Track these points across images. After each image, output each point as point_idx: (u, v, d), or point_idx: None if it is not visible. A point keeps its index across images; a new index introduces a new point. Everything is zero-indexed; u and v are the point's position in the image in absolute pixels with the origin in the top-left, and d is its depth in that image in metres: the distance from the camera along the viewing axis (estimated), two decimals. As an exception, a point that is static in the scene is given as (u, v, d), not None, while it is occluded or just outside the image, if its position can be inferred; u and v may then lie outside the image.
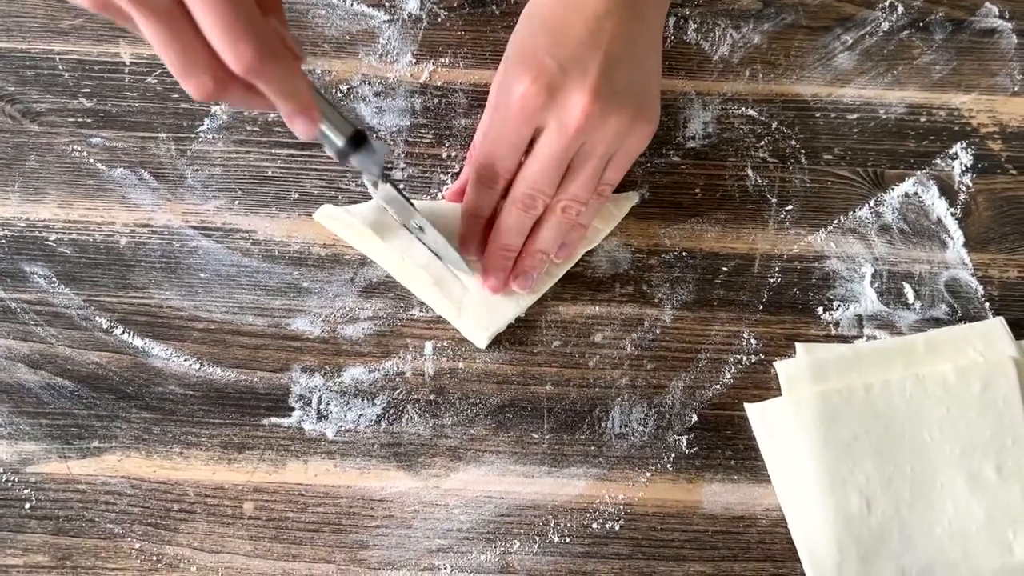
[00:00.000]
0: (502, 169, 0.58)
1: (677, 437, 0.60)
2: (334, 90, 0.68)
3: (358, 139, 0.52)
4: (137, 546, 0.56)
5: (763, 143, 0.68)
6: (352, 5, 0.71)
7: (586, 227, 0.62)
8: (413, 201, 0.58)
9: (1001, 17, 0.73)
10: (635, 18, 0.57)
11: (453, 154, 0.66)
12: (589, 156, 0.57)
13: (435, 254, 0.61)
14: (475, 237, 0.60)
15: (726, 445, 0.60)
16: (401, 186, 0.65)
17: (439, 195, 0.65)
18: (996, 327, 0.61)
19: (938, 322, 0.63)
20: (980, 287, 0.64)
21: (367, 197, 0.64)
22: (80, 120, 0.66)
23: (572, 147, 0.56)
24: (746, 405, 0.60)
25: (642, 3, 0.58)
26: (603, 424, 0.60)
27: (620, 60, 0.56)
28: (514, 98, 0.55)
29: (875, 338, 0.62)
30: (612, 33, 0.56)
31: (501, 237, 0.59)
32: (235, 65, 0.43)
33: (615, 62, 0.55)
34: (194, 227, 0.64)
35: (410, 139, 0.67)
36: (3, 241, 0.63)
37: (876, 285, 0.64)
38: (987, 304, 0.64)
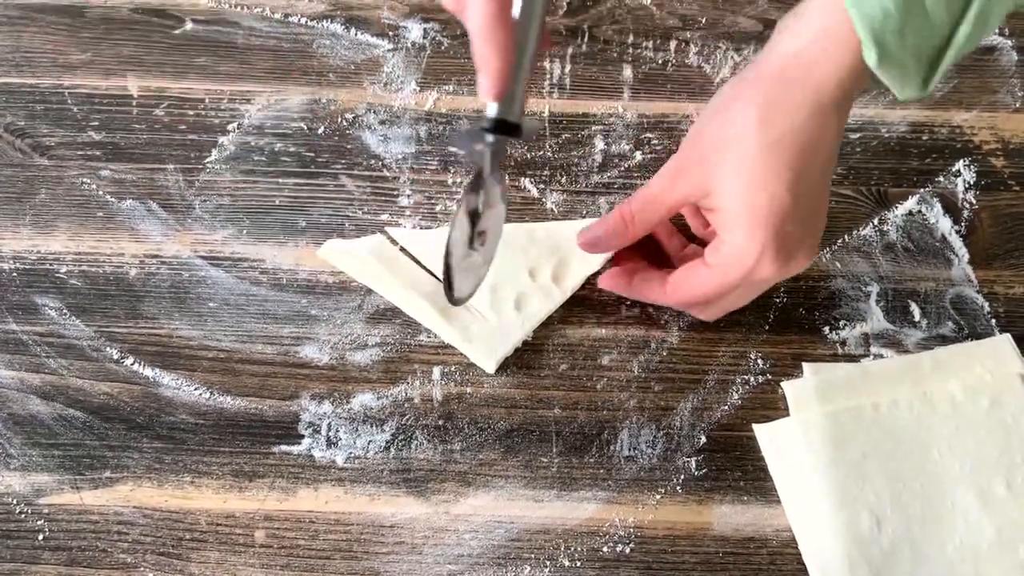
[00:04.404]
0: (685, 300, 0.59)
1: (686, 459, 0.60)
2: (340, 119, 0.69)
3: (505, 127, 0.49)
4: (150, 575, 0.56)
5: (766, 164, 0.68)
6: (356, 35, 0.72)
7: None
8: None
9: (1001, 34, 0.73)
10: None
11: (458, 180, 0.67)
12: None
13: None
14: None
15: (735, 466, 0.60)
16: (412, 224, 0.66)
17: (439, 224, 0.66)
18: (1003, 344, 0.61)
19: (945, 340, 0.63)
20: (986, 304, 0.65)
21: (373, 225, 0.65)
22: (89, 153, 0.67)
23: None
24: (755, 426, 0.60)
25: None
26: (612, 447, 0.60)
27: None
28: (745, 260, 0.53)
29: (882, 357, 0.63)
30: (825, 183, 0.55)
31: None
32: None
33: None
34: (203, 257, 0.64)
35: (415, 166, 0.68)
36: (15, 274, 0.63)
37: (882, 304, 0.64)
38: (993, 321, 0.64)
